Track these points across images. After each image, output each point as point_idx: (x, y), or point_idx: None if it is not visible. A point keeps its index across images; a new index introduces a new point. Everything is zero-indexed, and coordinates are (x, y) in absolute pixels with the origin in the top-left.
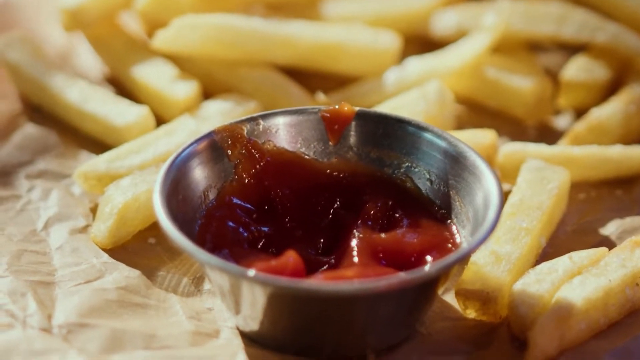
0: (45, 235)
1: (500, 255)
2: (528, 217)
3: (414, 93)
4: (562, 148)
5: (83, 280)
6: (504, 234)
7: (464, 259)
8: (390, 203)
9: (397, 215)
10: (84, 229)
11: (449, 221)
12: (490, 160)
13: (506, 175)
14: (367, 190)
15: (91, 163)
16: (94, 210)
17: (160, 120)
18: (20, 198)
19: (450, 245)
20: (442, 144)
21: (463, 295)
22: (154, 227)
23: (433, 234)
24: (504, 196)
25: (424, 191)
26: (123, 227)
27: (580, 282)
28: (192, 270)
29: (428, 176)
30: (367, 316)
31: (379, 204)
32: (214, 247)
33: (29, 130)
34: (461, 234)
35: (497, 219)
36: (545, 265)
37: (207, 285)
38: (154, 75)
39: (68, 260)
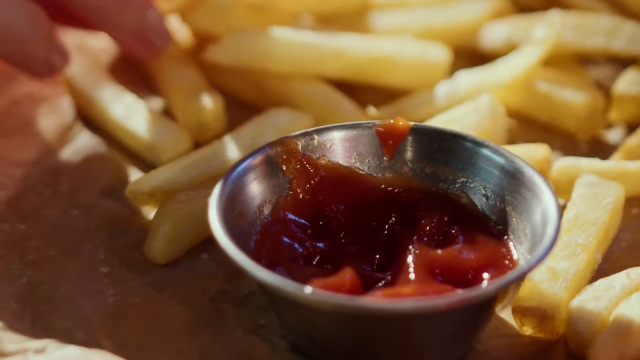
0: (98, 252)
1: (556, 272)
2: (584, 233)
3: (466, 107)
4: (615, 163)
5: (137, 296)
6: (560, 250)
7: (523, 277)
8: (445, 219)
9: (453, 231)
10: (137, 245)
11: (505, 237)
12: (543, 175)
13: (560, 190)
14: (422, 205)
15: (143, 178)
16: (146, 226)
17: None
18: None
19: (507, 262)
20: (499, 159)
21: (520, 312)
22: (207, 243)
23: (490, 251)
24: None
25: (479, 207)
26: (177, 242)
27: (638, 299)
28: (245, 286)
29: (484, 192)
30: (424, 333)
31: (435, 220)
32: (269, 263)
33: (80, 143)
34: (518, 251)
35: (556, 236)
36: (602, 282)
37: (260, 301)
38: (179, 89)
39: (121, 277)
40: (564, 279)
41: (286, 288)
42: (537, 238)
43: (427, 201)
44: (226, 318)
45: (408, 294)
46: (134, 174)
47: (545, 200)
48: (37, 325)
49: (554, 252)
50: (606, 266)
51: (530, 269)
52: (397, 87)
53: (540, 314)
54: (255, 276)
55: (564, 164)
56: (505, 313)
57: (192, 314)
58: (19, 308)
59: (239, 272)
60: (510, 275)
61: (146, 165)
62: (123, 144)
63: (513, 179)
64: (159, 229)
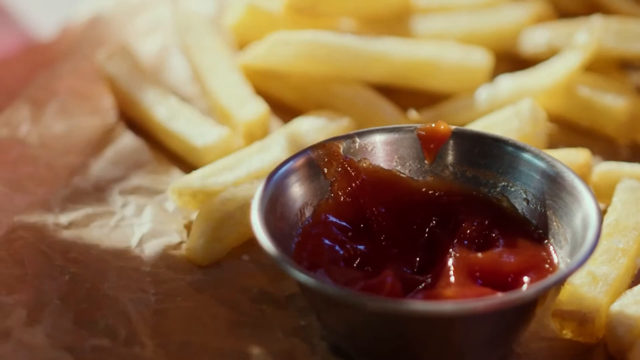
0: (140, 252)
1: (597, 276)
2: (624, 237)
3: (507, 111)
4: None
5: (178, 297)
6: (600, 255)
7: (563, 281)
8: (486, 222)
9: (494, 234)
10: (178, 246)
11: (545, 241)
12: (584, 179)
13: (600, 194)
14: (463, 209)
15: (185, 179)
16: (187, 226)
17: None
18: (114, 214)
19: (547, 265)
20: (540, 163)
21: (560, 315)
22: (248, 244)
23: (530, 254)
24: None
25: (520, 211)
26: (218, 243)
27: None
28: (286, 287)
29: (525, 196)
30: (465, 336)
31: (475, 223)
32: (310, 265)
33: (123, 144)
34: (558, 255)
35: (597, 241)
36: None
37: (300, 303)
38: (226, 94)
39: (162, 277)
40: (604, 283)
41: (327, 290)
42: (577, 242)
43: (468, 204)
44: (267, 319)
45: (449, 296)
46: (176, 176)
47: (586, 204)
48: (79, 322)
49: (594, 256)
50: None
51: (570, 273)
52: (439, 91)
53: (580, 318)
54: (296, 278)
55: (605, 168)
56: (545, 316)
57: (233, 315)
58: (62, 305)
59: (279, 274)
60: (550, 279)
61: (189, 167)
62: (166, 146)
63: (554, 183)
64: (200, 230)
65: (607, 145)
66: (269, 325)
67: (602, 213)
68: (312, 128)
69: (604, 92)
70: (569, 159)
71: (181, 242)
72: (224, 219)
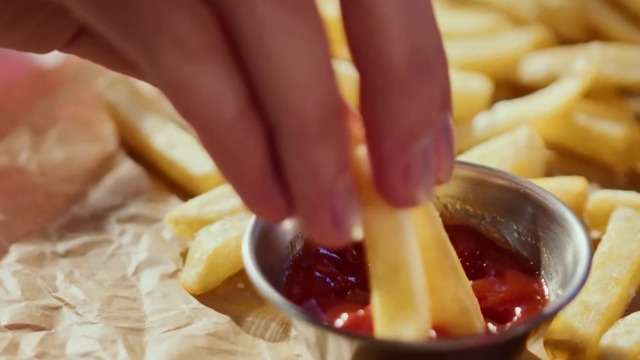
0: (136, 281)
1: (589, 305)
2: (618, 266)
3: (504, 139)
4: None
5: (173, 326)
6: (593, 284)
7: (553, 316)
8: (477, 253)
9: (485, 264)
10: (174, 274)
11: (537, 273)
12: (579, 208)
13: (596, 223)
14: (453, 238)
15: (182, 208)
16: (184, 255)
17: None
18: (112, 242)
19: (538, 297)
20: (531, 195)
21: (552, 345)
22: (243, 273)
23: (521, 285)
24: (594, 244)
25: (511, 242)
26: (213, 272)
27: None
28: (281, 316)
29: (515, 227)
30: None
31: (466, 253)
32: (301, 298)
33: (122, 172)
34: (549, 287)
35: (587, 274)
36: (635, 316)
37: (295, 332)
38: None
39: (158, 306)
40: (596, 312)
41: (315, 323)
42: (568, 276)
43: (459, 234)
44: (260, 348)
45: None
46: (174, 204)
47: (577, 238)
48: None
49: (587, 285)
50: None
51: (560, 307)
52: None
53: (571, 348)
54: (285, 311)
55: (600, 197)
56: (537, 346)
57: (227, 344)
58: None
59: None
60: (541, 314)
61: (187, 195)
62: (165, 174)
63: (545, 215)
64: (196, 258)
65: (605, 172)
66: (263, 355)
67: (595, 242)
68: None
69: (602, 119)
70: (565, 187)
71: (177, 270)
72: (220, 248)
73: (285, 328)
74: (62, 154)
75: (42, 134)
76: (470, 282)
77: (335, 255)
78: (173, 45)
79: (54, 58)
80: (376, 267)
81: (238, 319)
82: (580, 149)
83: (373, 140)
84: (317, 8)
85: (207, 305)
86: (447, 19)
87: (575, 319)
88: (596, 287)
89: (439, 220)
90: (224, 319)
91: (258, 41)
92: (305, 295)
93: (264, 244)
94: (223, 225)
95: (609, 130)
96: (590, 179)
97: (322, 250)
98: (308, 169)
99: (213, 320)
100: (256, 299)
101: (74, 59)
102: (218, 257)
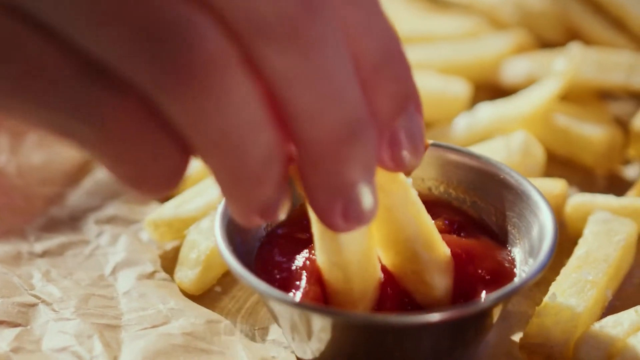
0: (113, 280)
1: (565, 309)
2: (594, 269)
3: (498, 142)
4: (630, 200)
5: (149, 324)
6: (569, 287)
7: (518, 290)
8: (455, 226)
9: (462, 235)
10: (152, 275)
11: (507, 249)
12: (559, 210)
13: (574, 226)
14: (434, 211)
15: (159, 210)
16: (162, 256)
17: None
18: (89, 243)
19: (506, 274)
20: (508, 179)
21: (527, 348)
22: (220, 276)
23: (492, 260)
24: (572, 247)
25: (486, 220)
26: (210, 272)
27: None
28: (258, 320)
29: (494, 212)
30: (417, 346)
31: (446, 222)
32: (272, 276)
33: (100, 175)
34: (519, 266)
35: (552, 250)
36: (610, 319)
37: (271, 335)
38: None
39: (135, 305)
40: (572, 315)
41: (284, 301)
42: (534, 252)
43: (440, 209)
44: (236, 349)
45: None
46: (152, 206)
47: (543, 216)
48: None
49: (563, 288)
50: (618, 303)
51: (525, 282)
52: None
53: (547, 351)
54: (250, 285)
55: (579, 200)
56: (513, 348)
57: (203, 344)
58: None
59: (251, 305)
60: (507, 289)
61: (165, 197)
62: None
63: (520, 200)
64: (191, 259)
65: (584, 175)
66: (239, 355)
67: (573, 246)
68: None
69: (582, 122)
70: (545, 188)
71: (154, 272)
72: (215, 247)
73: (262, 332)
74: (41, 156)
75: (21, 137)
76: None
77: (308, 235)
78: None
79: None
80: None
81: (215, 321)
82: (561, 151)
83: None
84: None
85: (184, 306)
86: (427, 23)
87: (550, 322)
88: (572, 290)
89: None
90: (201, 319)
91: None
92: (273, 274)
93: (236, 225)
94: (211, 220)
95: (589, 132)
96: (570, 182)
97: (289, 231)
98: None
99: (190, 320)
100: (233, 302)
101: None
102: (214, 256)
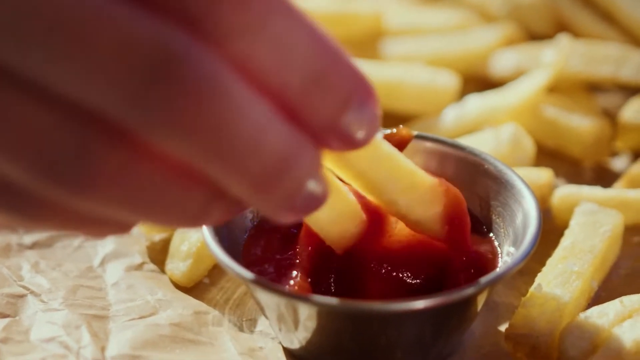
0: (102, 272)
1: (550, 299)
2: (580, 260)
3: (487, 133)
4: (617, 191)
5: (137, 315)
6: (554, 278)
7: (502, 277)
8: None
9: None
10: (140, 266)
11: (491, 237)
12: (545, 200)
13: (560, 218)
14: None
15: None
16: (150, 247)
17: None
18: (78, 235)
19: (489, 263)
20: (491, 169)
21: (513, 339)
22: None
23: (476, 250)
24: (558, 238)
25: (472, 211)
26: (201, 264)
27: (630, 326)
28: (246, 311)
29: (478, 201)
30: (400, 333)
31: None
32: (259, 268)
33: None
34: (503, 254)
35: (536, 238)
36: (595, 309)
37: (259, 327)
38: None
39: (123, 296)
40: (557, 306)
41: (269, 289)
42: (518, 240)
43: None
44: (223, 340)
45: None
46: None
47: (527, 204)
48: None
49: (549, 279)
50: (604, 294)
51: (510, 269)
52: (406, 112)
53: (532, 341)
54: (236, 275)
55: (565, 192)
56: (499, 339)
57: (190, 335)
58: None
59: (239, 297)
60: (491, 275)
61: None
62: None
63: (504, 189)
64: (182, 251)
65: (572, 166)
66: (226, 345)
67: (559, 237)
68: None
69: (570, 113)
70: (531, 178)
71: (143, 263)
72: (200, 237)
73: (250, 324)
74: None
75: None
76: None
77: (293, 230)
78: None
79: None
80: None
81: (203, 312)
82: (548, 142)
83: None
84: None
85: (172, 297)
86: (417, 15)
87: (536, 313)
88: (557, 281)
89: None
90: (188, 311)
91: None
92: (261, 264)
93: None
94: None
95: (577, 124)
96: (557, 173)
97: (277, 224)
98: None
99: (177, 311)
100: (221, 293)
101: None
102: (205, 249)
